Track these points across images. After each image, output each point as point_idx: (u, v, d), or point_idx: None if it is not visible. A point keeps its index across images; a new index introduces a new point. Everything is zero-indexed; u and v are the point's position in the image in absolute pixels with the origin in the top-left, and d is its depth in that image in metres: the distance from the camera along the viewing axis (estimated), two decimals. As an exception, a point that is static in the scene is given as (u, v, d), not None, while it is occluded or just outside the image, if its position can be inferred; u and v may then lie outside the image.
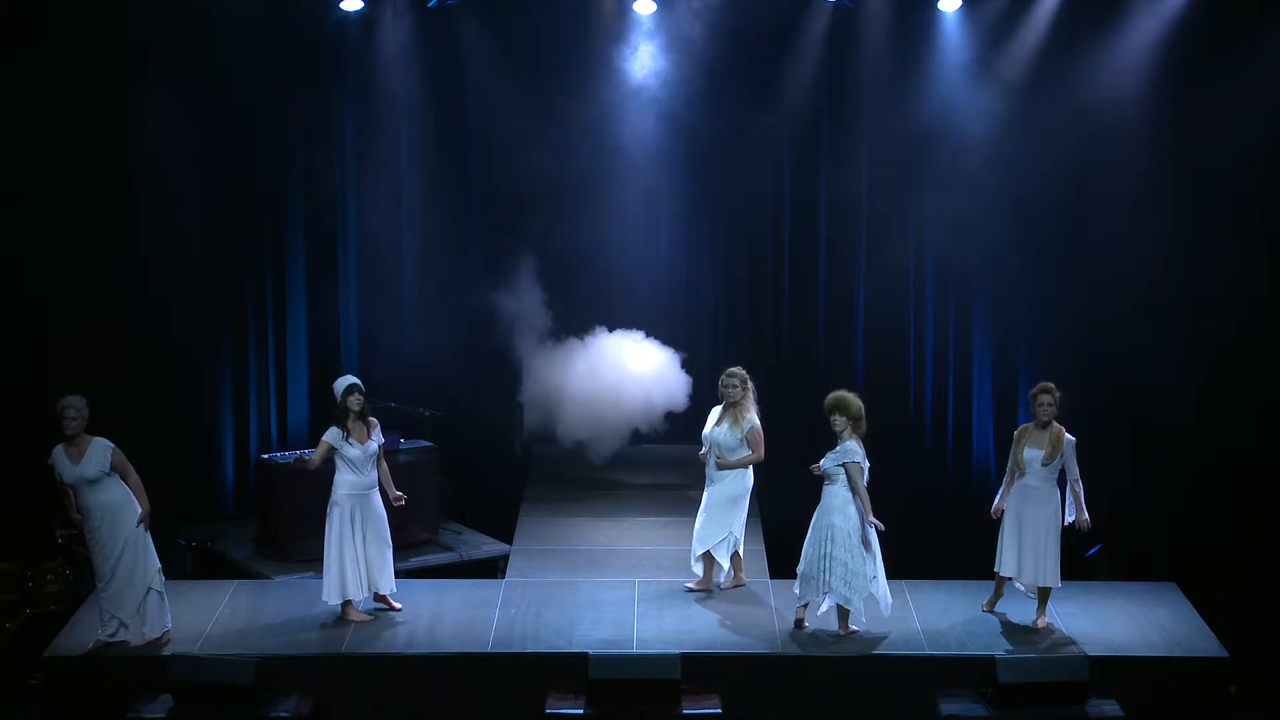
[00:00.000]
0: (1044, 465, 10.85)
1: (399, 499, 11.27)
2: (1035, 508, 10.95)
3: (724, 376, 11.53)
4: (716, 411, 11.55)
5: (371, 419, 11.10)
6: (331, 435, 10.97)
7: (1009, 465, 11.03)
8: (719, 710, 9.84)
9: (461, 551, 13.05)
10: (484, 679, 10.61)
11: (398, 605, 11.35)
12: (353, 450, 10.96)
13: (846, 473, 10.67)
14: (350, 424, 10.97)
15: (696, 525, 11.62)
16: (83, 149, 13.68)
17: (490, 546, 13.24)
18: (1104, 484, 13.98)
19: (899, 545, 13.57)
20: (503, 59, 14.26)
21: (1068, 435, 10.87)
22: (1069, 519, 10.99)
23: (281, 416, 14.62)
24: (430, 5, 13.99)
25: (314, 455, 11.08)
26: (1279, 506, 13.47)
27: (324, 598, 11.10)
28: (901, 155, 14.44)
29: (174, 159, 13.91)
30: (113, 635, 10.67)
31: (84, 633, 10.87)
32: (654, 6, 14.16)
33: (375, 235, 14.62)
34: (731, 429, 11.39)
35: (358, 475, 10.99)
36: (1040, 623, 11.05)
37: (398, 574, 12.06)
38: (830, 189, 14.66)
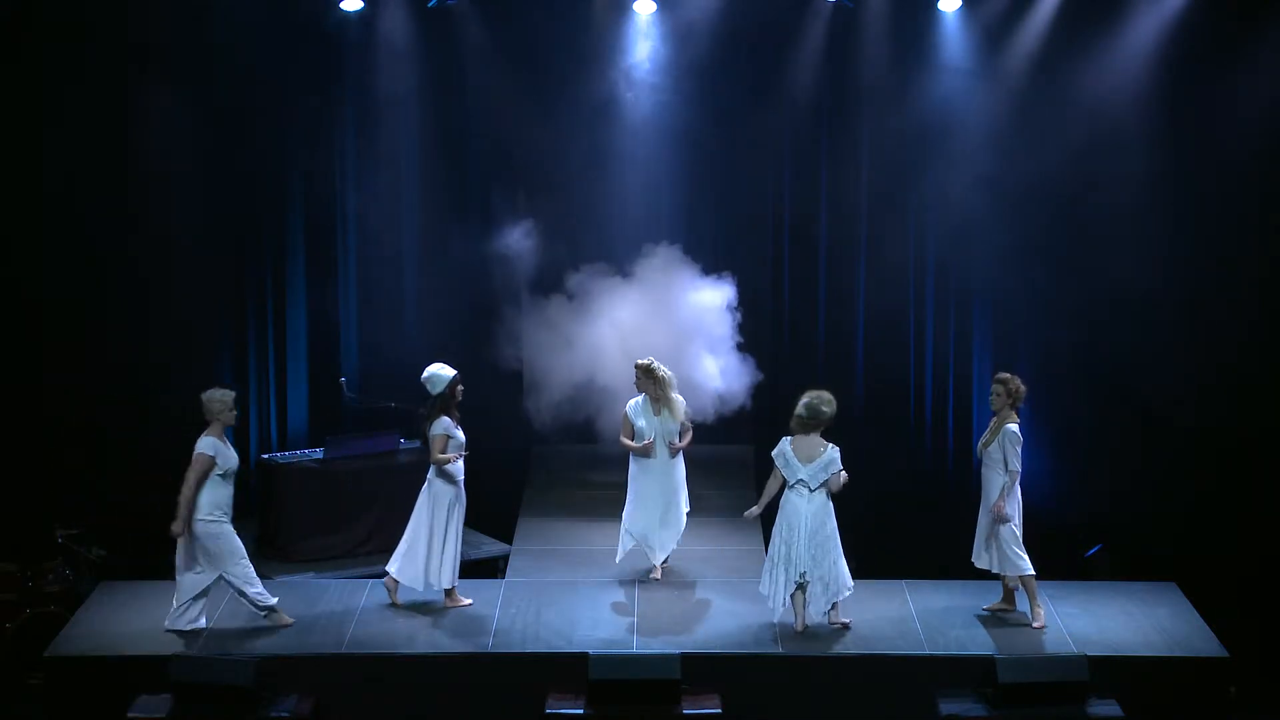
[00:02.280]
0: (984, 449, 11.00)
1: None
2: (986, 495, 11.06)
3: (635, 368, 11.94)
4: (638, 403, 11.91)
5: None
6: (446, 425, 11.25)
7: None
8: (719, 710, 9.85)
9: (461, 551, 13.05)
10: (484, 679, 10.62)
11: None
12: (461, 434, 11.25)
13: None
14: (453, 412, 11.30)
15: (669, 518, 11.92)
16: (82, 149, 13.67)
17: (490, 546, 13.25)
18: (1105, 484, 14.04)
19: (900, 545, 13.65)
20: (503, 59, 14.24)
21: (1009, 425, 10.93)
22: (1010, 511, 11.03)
23: (281, 416, 14.61)
24: (430, 5, 13.99)
25: (437, 450, 11.24)
26: (1279, 506, 13.47)
27: (444, 584, 11.31)
28: (901, 155, 14.42)
29: (173, 159, 13.91)
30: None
31: (84, 633, 10.87)
32: (654, 6, 14.16)
33: (375, 235, 14.62)
34: (672, 416, 11.82)
35: (455, 464, 11.27)
36: (1037, 623, 11.04)
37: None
38: (830, 189, 14.65)
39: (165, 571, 12.67)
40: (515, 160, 14.33)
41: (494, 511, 13.91)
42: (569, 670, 10.22)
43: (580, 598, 11.65)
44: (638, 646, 10.79)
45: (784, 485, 10.84)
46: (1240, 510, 13.60)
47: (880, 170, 14.50)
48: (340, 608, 11.35)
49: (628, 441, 11.92)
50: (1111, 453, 14.06)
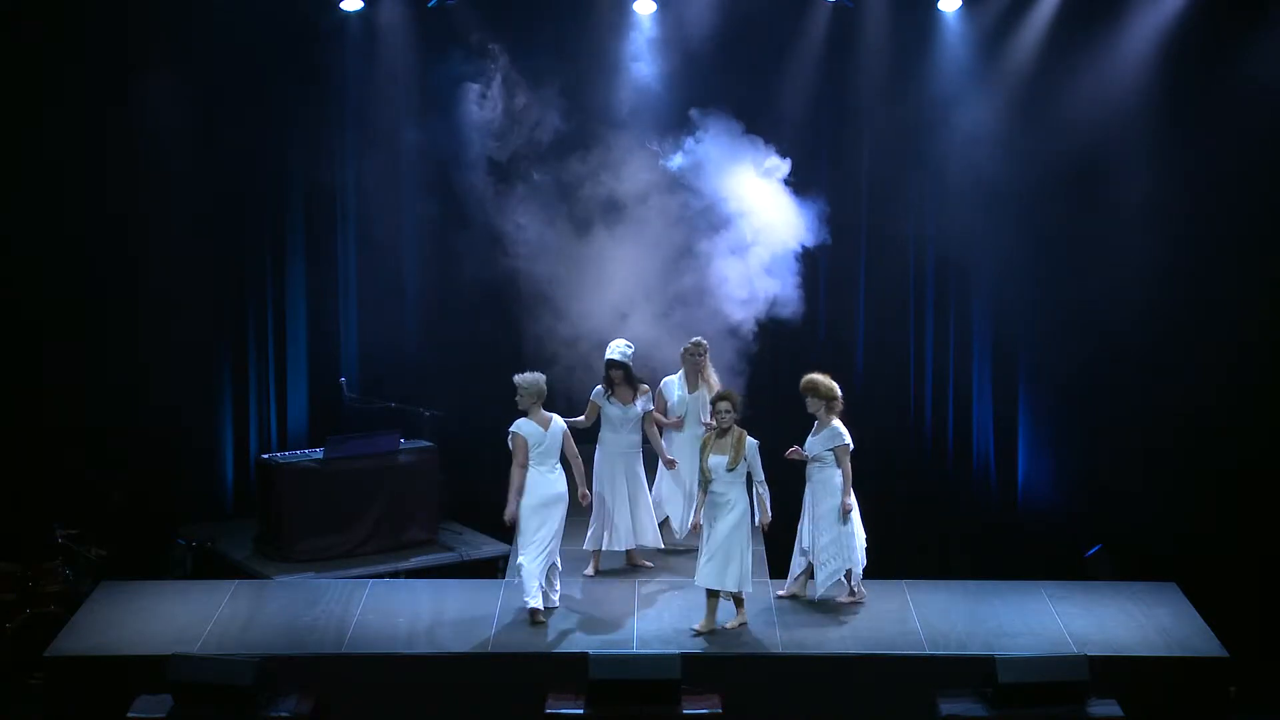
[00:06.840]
0: (729, 470, 10.92)
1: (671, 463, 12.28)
2: (725, 514, 10.96)
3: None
4: (673, 380, 12.51)
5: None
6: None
7: (698, 478, 11.08)
8: (719, 710, 9.84)
9: (461, 551, 13.05)
10: (484, 679, 10.62)
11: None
12: (615, 410, 11.99)
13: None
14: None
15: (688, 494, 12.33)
16: (82, 150, 13.68)
17: (490, 546, 13.24)
18: (1105, 484, 14.03)
19: (900, 545, 13.63)
20: (502, 59, 14.23)
21: (749, 439, 10.98)
22: (758, 521, 11.11)
23: (281, 416, 14.60)
24: (430, 5, 13.99)
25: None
26: (1279, 507, 13.47)
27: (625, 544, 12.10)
28: (902, 155, 14.41)
29: (173, 159, 13.92)
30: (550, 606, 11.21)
31: (84, 633, 10.87)
32: (654, 6, 14.16)
33: (375, 235, 14.61)
34: (709, 390, 12.28)
35: (616, 435, 11.97)
36: (735, 623, 11.07)
37: (398, 574, 12.09)
38: (830, 189, 14.63)
39: (166, 571, 12.68)
40: (515, 158, 14.30)
41: (494, 511, 13.88)
42: (569, 670, 10.21)
43: (580, 598, 11.65)
44: (638, 646, 10.79)
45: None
46: (1241, 510, 13.59)
47: (880, 170, 14.48)
48: (340, 608, 11.35)
49: (662, 418, 12.29)
50: (1112, 453, 14.05)
